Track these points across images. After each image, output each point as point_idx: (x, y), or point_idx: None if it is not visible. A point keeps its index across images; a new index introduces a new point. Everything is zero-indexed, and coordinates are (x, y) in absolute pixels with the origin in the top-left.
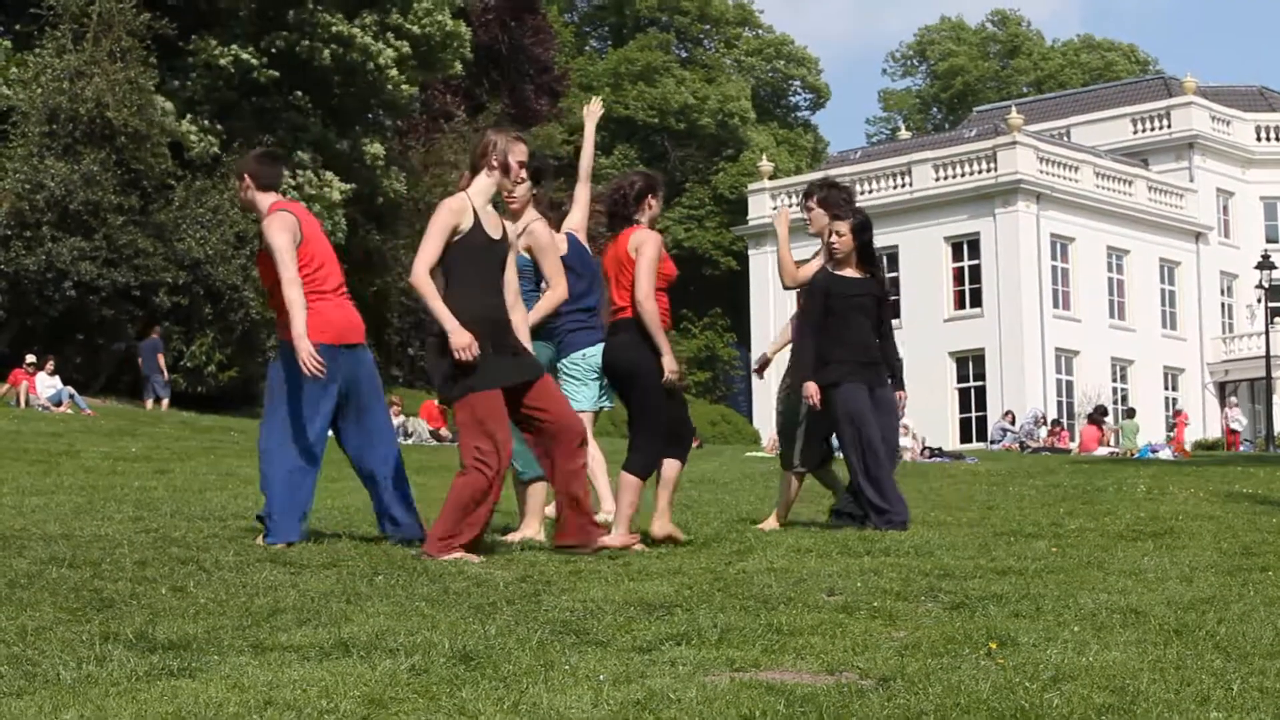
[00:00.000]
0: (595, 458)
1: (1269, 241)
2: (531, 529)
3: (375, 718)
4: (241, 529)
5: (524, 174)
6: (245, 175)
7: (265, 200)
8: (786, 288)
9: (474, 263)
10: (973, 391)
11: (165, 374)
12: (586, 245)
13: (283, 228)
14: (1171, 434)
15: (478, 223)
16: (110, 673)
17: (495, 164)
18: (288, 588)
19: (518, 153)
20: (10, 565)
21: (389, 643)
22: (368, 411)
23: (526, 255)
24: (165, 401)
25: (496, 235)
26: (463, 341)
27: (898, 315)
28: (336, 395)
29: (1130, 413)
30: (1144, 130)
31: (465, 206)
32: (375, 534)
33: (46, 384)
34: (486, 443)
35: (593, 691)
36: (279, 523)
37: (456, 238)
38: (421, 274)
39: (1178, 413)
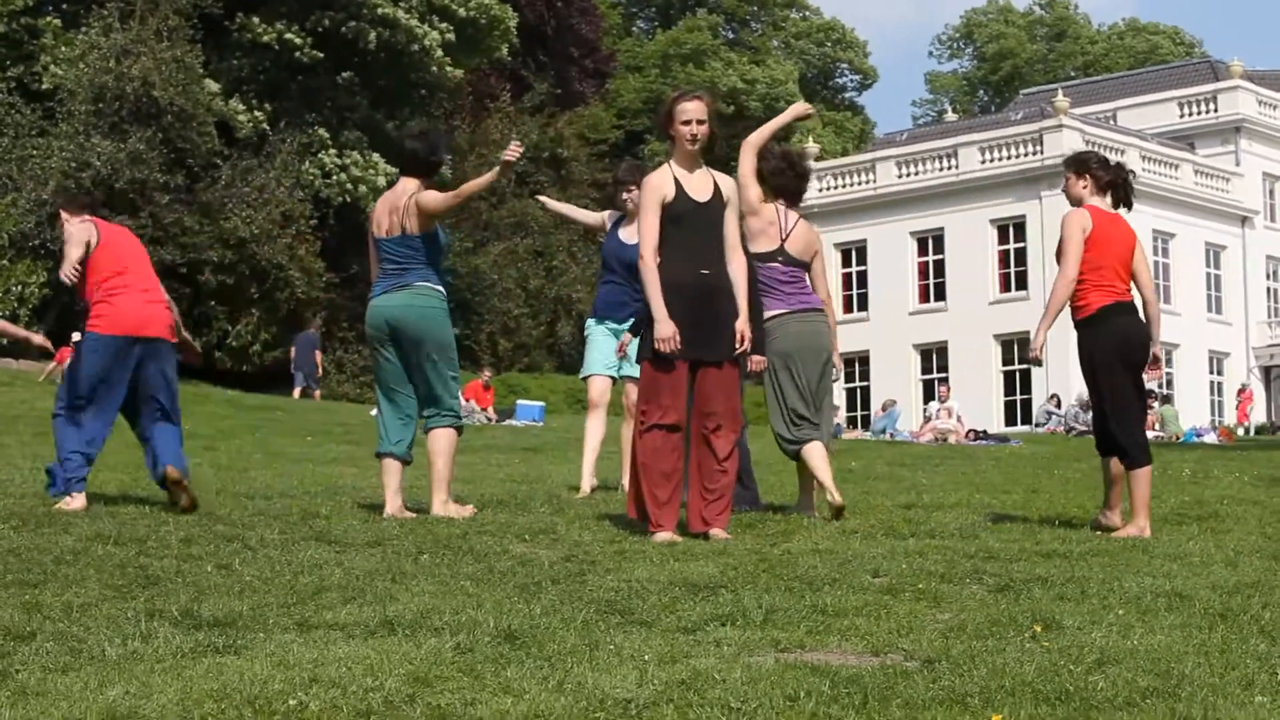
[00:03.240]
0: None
1: None
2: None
3: (420, 696)
4: (286, 507)
5: None
6: (61, 211)
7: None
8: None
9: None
10: (1018, 374)
11: (320, 369)
12: None
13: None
14: (1221, 416)
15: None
16: (155, 649)
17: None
18: (333, 566)
19: (683, 111)
20: (56, 542)
21: (434, 621)
22: (149, 396)
23: None
24: (318, 393)
25: (703, 198)
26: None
27: (943, 298)
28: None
29: (1166, 399)
30: (1190, 114)
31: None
32: (419, 513)
33: None
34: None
35: (638, 671)
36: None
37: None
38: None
39: (1241, 389)
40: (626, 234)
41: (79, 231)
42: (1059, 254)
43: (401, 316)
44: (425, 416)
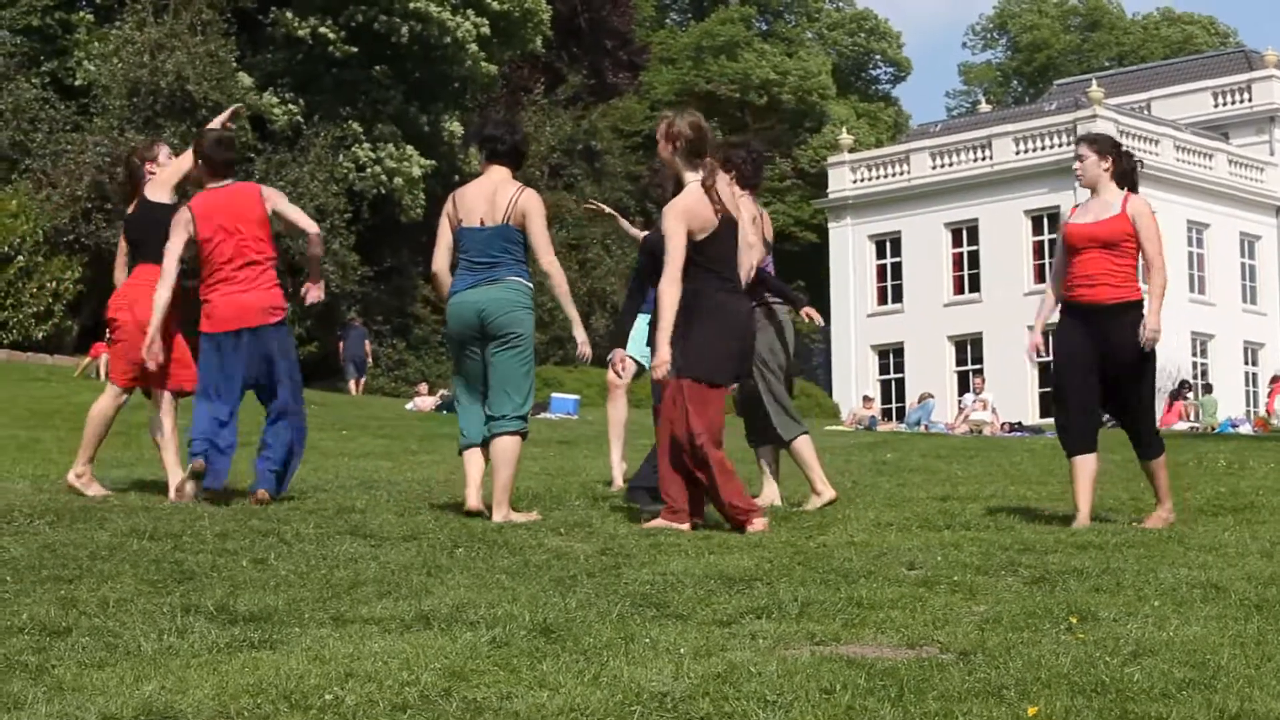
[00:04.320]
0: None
1: None
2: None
3: (456, 690)
4: (321, 502)
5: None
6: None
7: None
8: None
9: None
10: (1053, 366)
11: (370, 359)
12: None
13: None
14: (1256, 407)
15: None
16: (191, 644)
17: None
18: (368, 560)
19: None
20: (92, 537)
21: (469, 615)
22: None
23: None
24: (362, 382)
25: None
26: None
27: (978, 289)
28: (244, 370)
29: (1208, 388)
30: (1224, 104)
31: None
32: (455, 505)
33: None
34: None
35: (673, 664)
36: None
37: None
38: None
39: (1275, 379)
40: None
41: (173, 232)
42: (1122, 237)
43: (493, 310)
44: (492, 418)
